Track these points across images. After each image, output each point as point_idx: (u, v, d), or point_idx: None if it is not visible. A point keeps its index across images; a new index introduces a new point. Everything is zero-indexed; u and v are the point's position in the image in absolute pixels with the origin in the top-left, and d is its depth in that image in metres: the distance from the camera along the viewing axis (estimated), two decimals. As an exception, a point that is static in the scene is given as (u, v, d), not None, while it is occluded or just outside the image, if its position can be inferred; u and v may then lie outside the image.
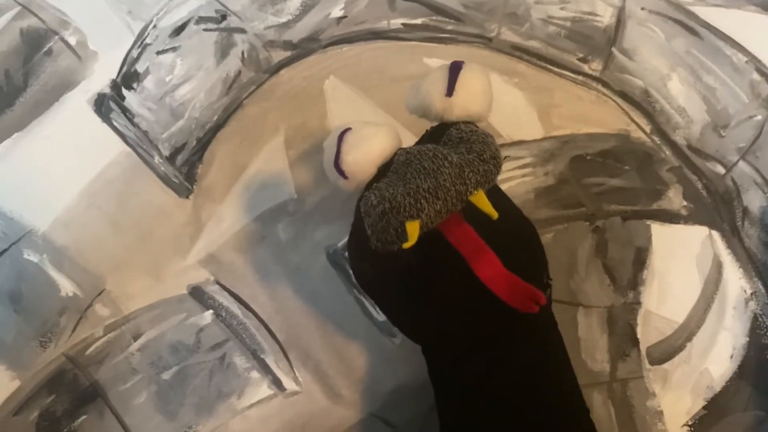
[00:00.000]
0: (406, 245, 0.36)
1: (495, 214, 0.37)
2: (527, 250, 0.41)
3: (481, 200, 0.37)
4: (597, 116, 0.55)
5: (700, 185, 0.54)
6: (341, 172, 0.39)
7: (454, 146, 0.39)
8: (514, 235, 0.39)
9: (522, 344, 0.38)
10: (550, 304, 0.40)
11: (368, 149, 0.39)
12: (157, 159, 0.55)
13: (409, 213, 0.36)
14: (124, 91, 0.56)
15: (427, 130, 0.43)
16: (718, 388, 0.52)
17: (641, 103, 0.55)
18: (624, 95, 0.56)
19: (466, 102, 0.40)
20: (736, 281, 0.53)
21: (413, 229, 0.36)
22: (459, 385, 0.39)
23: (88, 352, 0.54)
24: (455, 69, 0.40)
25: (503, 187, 0.48)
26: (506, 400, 0.37)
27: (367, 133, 0.40)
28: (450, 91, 0.39)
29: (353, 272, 0.44)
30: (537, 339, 0.39)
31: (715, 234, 0.54)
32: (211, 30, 0.56)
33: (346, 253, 0.53)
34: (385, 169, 0.39)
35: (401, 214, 0.36)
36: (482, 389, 0.38)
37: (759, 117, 0.54)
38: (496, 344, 0.38)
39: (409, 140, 0.42)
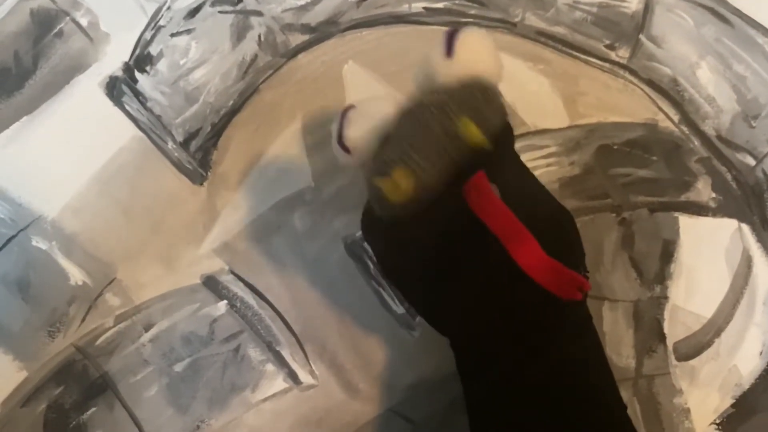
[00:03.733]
0: (395, 196, 0.36)
1: (485, 142, 0.36)
2: (565, 237, 0.39)
3: (470, 129, 0.36)
4: (624, 105, 0.54)
5: (729, 177, 0.53)
6: (344, 148, 0.39)
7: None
8: (552, 221, 0.38)
9: (559, 335, 0.37)
10: (586, 296, 0.38)
11: (367, 120, 0.39)
12: (170, 144, 0.53)
13: (393, 160, 0.36)
14: (137, 75, 0.54)
15: None
16: (746, 386, 0.51)
17: (669, 91, 0.54)
18: (652, 83, 0.54)
19: (468, 61, 0.38)
20: (766, 276, 0.51)
21: (400, 175, 0.35)
22: (491, 378, 0.37)
23: (98, 342, 0.52)
24: (451, 31, 0.39)
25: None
26: (542, 393, 0.36)
27: (365, 105, 0.39)
28: (449, 50, 0.38)
29: (376, 258, 0.43)
30: (574, 330, 0.37)
31: (745, 227, 0.52)
32: (226, 12, 0.54)
33: (365, 244, 0.52)
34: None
35: (389, 164, 0.36)
36: (517, 382, 0.36)
37: (791, 107, 0.53)
38: (531, 335, 0.36)
39: None
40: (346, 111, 0.39)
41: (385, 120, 0.38)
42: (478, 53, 0.38)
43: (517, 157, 0.41)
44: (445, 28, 0.39)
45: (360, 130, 0.39)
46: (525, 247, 0.36)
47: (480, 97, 0.37)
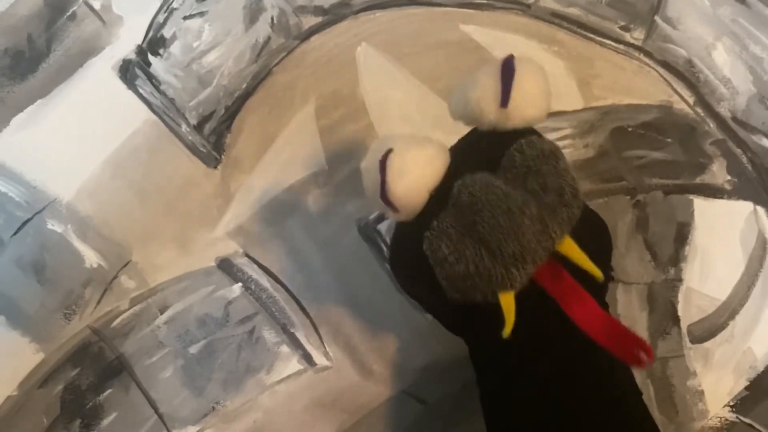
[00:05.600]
0: (507, 331, 0.33)
1: (599, 274, 0.34)
2: (601, 248, 0.38)
3: (573, 251, 0.34)
4: (639, 87, 0.53)
5: (745, 159, 0.53)
6: (390, 205, 0.35)
7: (521, 178, 0.34)
8: (589, 233, 0.36)
9: (572, 328, 0.36)
10: (607, 288, 0.38)
11: (418, 176, 0.35)
12: (184, 127, 0.53)
13: (501, 283, 0.33)
14: (150, 57, 0.54)
15: (474, 134, 0.38)
16: (761, 368, 0.51)
17: (684, 73, 0.53)
18: (667, 65, 0.54)
19: (523, 110, 0.35)
20: (781, 258, 0.51)
21: (509, 303, 0.33)
22: (505, 368, 0.37)
23: (114, 324, 0.52)
24: (508, 73, 0.35)
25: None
26: (556, 383, 0.35)
27: (413, 156, 0.35)
28: (505, 101, 0.35)
29: (402, 287, 0.42)
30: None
31: (761, 210, 0.52)
32: (239, -6, 0.54)
33: (378, 227, 0.52)
34: (437, 195, 0.35)
35: (492, 283, 0.33)
36: (531, 372, 0.36)
37: (808, 88, 0.52)
38: (545, 327, 0.36)
39: (449, 120, 0.38)
40: (385, 157, 0.35)
41: (437, 173, 0.35)
42: (533, 100, 0.36)
43: None
44: (497, 63, 0.36)
45: (409, 186, 0.35)
46: (581, 306, 0.35)
47: (577, 212, 0.34)
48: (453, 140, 0.39)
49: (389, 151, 0.35)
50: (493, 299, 0.33)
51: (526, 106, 0.35)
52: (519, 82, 0.35)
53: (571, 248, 0.34)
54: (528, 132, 0.36)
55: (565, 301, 0.35)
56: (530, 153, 0.34)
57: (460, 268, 0.33)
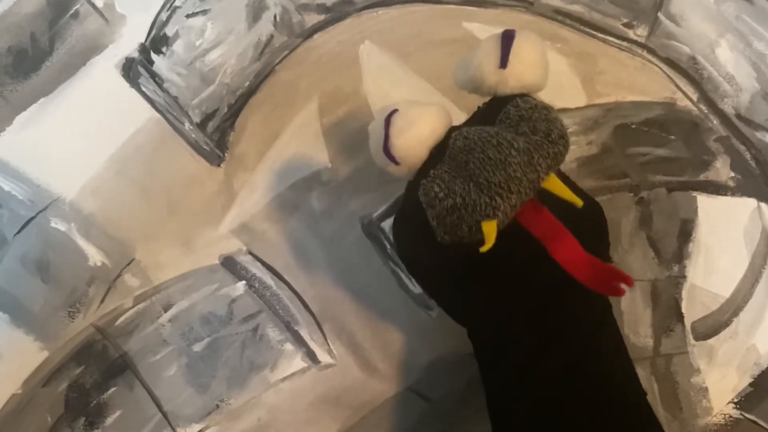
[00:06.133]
0: (485, 248, 0.34)
1: (579, 202, 0.35)
2: (596, 229, 0.39)
3: (556, 185, 0.35)
4: (642, 84, 0.53)
5: (748, 156, 0.53)
6: (391, 157, 0.37)
7: (513, 126, 0.36)
8: (582, 214, 0.37)
9: (576, 323, 0.36)
10: None
11: (419, 131, 0.37)
12: (187, 125, 0.53)
13: (485, 212, 0.34)
14: (153, 56, 0.54)
15: (479, 107, 0.40)
16: (765, 365, 0.51)
17: (688, 70, 0.53)
18: (670, 62, 0.53)
19: (521, 73, 0.37)
20: (785, 255, 0.51)
21: (491, 230, 0.34)
22: (509, 365, 0.37)
23: (118, 323, 0.52)
24: (508, 38, 0.37)
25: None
26: (560, 380, 0.36)
27: (415, 113, 0.37)
28: (504, 62, 0.37)
29: (402, 257, 0.42)
30: (593, 318, 0.37)
31: (764, 206, 0.52)
32: (242, -8, 0.54)
33: (382, 224, 0.52)
34: (437, 152, 0.37)
35: (477, 212, 0.34)
36: (534, 369, 0.36)
37: (812, 85, 0.52)
38: (549, 322, 0.36)
39: (454, 115, 0.39)
40: (390, 116, 0.37)
41: (437, 131, 0.37)
42: (531, 65, 0.38)
43: None
44: (498, 32, 0.38)
45: (410, 140, 0.37)
46: (563, 246, 0.36)
47: (563, 150, 0.36)
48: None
49: (395, 110, 0.38)
50: (478, 231, 0.34)
51: (524, 70, 0.37)
52: (517, 47, 0.37)
53: (555, 184, 0.36)
54: (525, 96, 0.38)
55: (548, 242, 0.36)
56: (524, 106, 0.37)
57: (448, 203, 0.35)
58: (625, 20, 0.54)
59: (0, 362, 0.52)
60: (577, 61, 0.54)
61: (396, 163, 0.37)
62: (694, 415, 0.50)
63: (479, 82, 0.38)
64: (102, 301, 0.53)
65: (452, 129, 0.38)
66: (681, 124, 0.53)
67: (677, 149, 0.53)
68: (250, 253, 0.53)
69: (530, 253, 0.36)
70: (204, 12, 0.54)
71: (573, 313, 0.37)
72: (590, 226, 0.38)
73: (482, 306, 0.38)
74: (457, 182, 0.35)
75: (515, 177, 0.34)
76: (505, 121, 0.37)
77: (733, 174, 0.52)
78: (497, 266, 0.36)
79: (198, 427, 0.51)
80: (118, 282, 0.53)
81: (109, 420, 0.51)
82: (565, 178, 0.39)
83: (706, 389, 0.51)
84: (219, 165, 0.53)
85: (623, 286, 0.35)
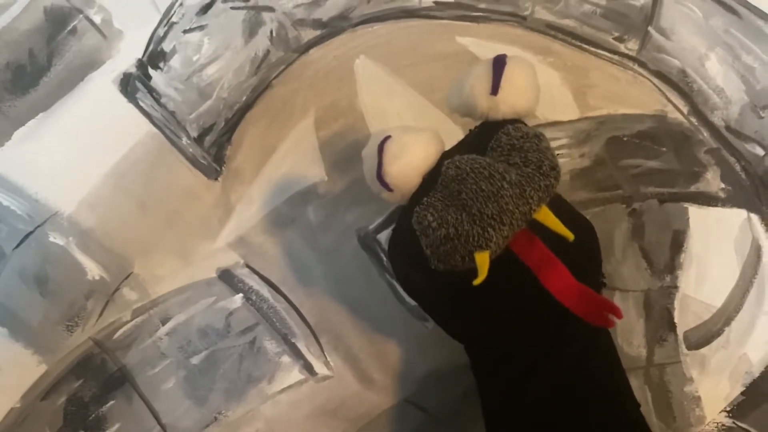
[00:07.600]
0: (478, 281, 0.34)
1: (570, 235, 0.35)
2: (587, 252, 0.39)
3: (548, 218, 0.36)
4: (633, 97, 0.54)
5: (738, 167, 0.53)
6: (385, 185, 0.38)
7: (505, 155, 0.36)
8: (575, 236, 0.37)
9: (572, 339, 0.37)
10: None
11: (412, 158, 0.38)
12: (184, 140, 0.54)
13: (477, 242, 0.34)
14: (151, 71, 0.54)
15: (470, 130, 0.41)
16: (756, 374, 0.51)
17: (678, 83, 0.54)
18: (661, 75, 0.54)
19: (512, 99, 0.38)
20: (775, 265, 0.52)
21: (483, 261, 0.34)
22: (505, 380, 0.38)
23: (116, 336, 0.53)
24: (499, 65, 0.38)
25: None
26: (556, 396, 0.36)
27: (408, 140, 0.38)
28: (495, 89, 0.37)
29: (397, 278, 0.42)
30: (588, 334, 0.38)
31: (754, 217, 0.53)
32: (238, 8, 0.55)
33: (378, 236, 0.53)
34: (430, 178, 0.38)
35: (470, 243, 0.34)
36: (531, 385, 0.36)
37: (800, 97, 0.53)
38: (546, 338, 0.37)
39: (447, 129, 0.40)
40: (383, 142, 0.38)
41: (430, 158, 0.38)
42: (522, 91, 0.38)
43: None
44: (490, 58, 0.39)
45: (403, 167, 0.38)
46: (554, 274, 0.36)
47: (554, 183, 0.36)
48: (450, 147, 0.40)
49: (387, 137, 0.38)
50: (470, 261, 0.35)
51: (515, 95, 0.38)
52: (509, 73, 0.38)
53: (546, 216, 0.36)
54: (517, 122, 0.39)
55: (540, 271, 0.36)
56: (515, 134, 0.37)
57: (441, 232, 0.35)
58: (616, 34, 0.55)
59: (-1, 376, 0.52)
60: (569, 74, 0.54)
61: (389, 189, 0.38)
62: (687, 424, 0.51)
63: (471, 107, 0.39)
64: (100, 314, 0.53)
65: (444, 155, 0.38)
66: (672, 137, 0.54)
67: (668, 161, 0.53)
68: (247, 266, 0.53)
69: (523, 277, 0.37)
70: (201, 27, 0.55)
71: (569, 328, 0.37)
72: (582, 250, 0.38)
73: (479, 327, 0.39)
74: (450, 212, 0.35)
75: (507, 210, 0.35)
76: (497, 149, 0.37)
77: (723, 185, 0.53)
78: (492, 289, 0.37)
79: (196, 439, 0.52)
80: (116, 295, 0.53)
81: (108, 433, 0.52)
82: (556, 197, 0.39)
83: (699, 398, 0.51)
84: (216, 179, 0.54)
85: (612, 317, 0.36)
